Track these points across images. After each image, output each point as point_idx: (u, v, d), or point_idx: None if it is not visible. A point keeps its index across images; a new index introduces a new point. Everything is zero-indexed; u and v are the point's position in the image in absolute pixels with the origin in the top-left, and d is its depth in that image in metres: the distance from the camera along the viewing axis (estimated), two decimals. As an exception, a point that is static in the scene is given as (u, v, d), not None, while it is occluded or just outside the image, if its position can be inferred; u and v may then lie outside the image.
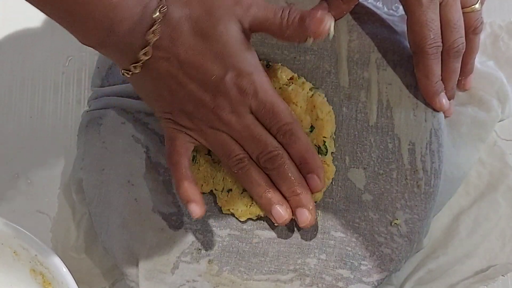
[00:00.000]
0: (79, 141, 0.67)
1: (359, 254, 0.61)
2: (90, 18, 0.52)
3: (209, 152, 0.64)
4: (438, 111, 0.64)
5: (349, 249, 0.61)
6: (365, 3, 0.67)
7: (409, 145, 0.63)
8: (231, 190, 0.63)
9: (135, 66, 0.56)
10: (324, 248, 0.62)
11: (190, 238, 0.63)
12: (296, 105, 0.64)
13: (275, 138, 0.59)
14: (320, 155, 0.63)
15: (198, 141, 0.60)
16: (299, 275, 0.61)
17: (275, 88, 0.64)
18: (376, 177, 0.63)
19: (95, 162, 0.65)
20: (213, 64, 0.56)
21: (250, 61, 0.57)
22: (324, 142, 0.63)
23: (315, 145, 0.63)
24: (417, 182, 0.62)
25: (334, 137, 0.64)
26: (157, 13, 0.54)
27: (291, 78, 0.65)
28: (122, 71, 0.58)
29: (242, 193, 0.62)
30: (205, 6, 0.56)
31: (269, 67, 0.64)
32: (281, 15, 0.57)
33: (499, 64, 0.70)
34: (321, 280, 0.61)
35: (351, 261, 0.61)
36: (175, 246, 0.62)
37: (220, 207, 0.63)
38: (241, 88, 0.57)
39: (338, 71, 0.66)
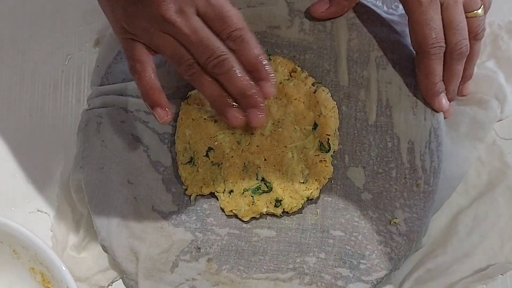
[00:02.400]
0: (79, 139, 0.67)
1: (358, 253, 0.61)
2: None
3: (207, 154, 0.64)
4: (437, 112, 0.64)
5: (348, 248, 0.61)
6: (365, 2, 0.67)
7: (408, 144, 0.63)
8: (232, 191, 0.63)
9: None
10: (323, 247, 0.62)
11: (189, 237, 0.63)
12: (299, 101, 0.63)
13: (225, 44, 0.57)
14: (321, 152, 0.63)
15: (152, 48, 0.58)
16: (298, 274, 0.61)
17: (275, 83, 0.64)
18: (375, 176, 0.63)
19: (95, 160, 0.65)
20: None
21: None
22: (328, 139, 0.63)
23: (319, 142, 0.63)
24: (416, 181, 0.62)
25: (338, 132, 0.64)
26: None
27: (293, 71, 0.65)
28: None
29: (243, 193, 0.63)
30: None
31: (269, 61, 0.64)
32: None
33: (498, 63, 0.70)
34: (320, 279, 0.61)
35: (350, 260, 0.61)
36: (175, 245, 0.62)
37: (223, 209, 0.63)
38: None
39: (338, 70, 0.66)
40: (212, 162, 0.64)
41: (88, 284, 0.65)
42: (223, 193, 0.63)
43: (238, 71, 0.57)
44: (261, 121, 0.59)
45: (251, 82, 0.58)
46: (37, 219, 0.67)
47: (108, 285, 0.66)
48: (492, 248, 0.64)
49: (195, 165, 0.64)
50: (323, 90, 0.64)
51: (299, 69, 0.65)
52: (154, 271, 0.62)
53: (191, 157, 0.64)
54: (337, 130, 0.64)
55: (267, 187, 0.62)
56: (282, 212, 0.63)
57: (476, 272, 0.63)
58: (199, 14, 0.56)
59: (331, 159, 0.63)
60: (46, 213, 0.68)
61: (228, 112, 0.59)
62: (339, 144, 0.64)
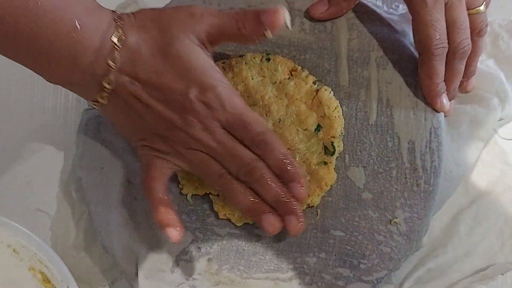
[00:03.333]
0: (79, 139, 0.67)
1: (358, 253, 0.61)
2: (56, 55, 0.53)
3: None
4: (438, 112, 0.64)
5: (349, 247, 0.61)
6: (365, 1, 0.67)
7: (409, 143, 0.63)
8: None
9: (102, 96, 0.56)
10: (324, 247, 0.62)
11: (189, 236, 0.63)
12: (300, 101, 0.63)
13: (250, 150, 0.58)
14: (326, 155, 0.62)
15: (176, 165, 0.59)
16: (299, 274, 0.61)
17: (275, 82, 0.64)
18: (375, 176, 0.63)
19: (95, 160, 0.65)
20: (174, 82, 0.56)
21: (212, 74, 0.57)
22: (332, 142, 0.62)
23: (322, 145, 0.63)
24: (416, 180, 0.62)
25: (343, 133, 0.63)
26: (115, 40, 0.54)
27: (294, 70, 0.65)
28: (91, 103, 0.58)
29: None
30: (159, 26, 0.56)
31: (268, 61, 0.64)
32: (235, 16, 0.57)
33: (498, 63, 0.70)
34: (320, 279, 0.61)
35: (350, 259, 0.61)
36: (175, 245, 0.62)
37: (217, 212, 0.63)
38: (207, 103, 0.56)
39: (338, 70, 0.66)
40: None
41: (88, 284, 0.65)
42: (218, 196, 0.63)
43: (269, 178, 0.58)
44: (301, 229, 0.58)
45: (283, 188, 0.58)
46: (37, 219, 0.67)
47: (108, 285, 0.65)
48: (492, 248, 0.64)
49: None
50: (326, 90, 0.64)
51: (299, 68, 0.65)
52: (154, 271, 0.62)
53: None
54: (342, 130, 0.63)
55: None
56: None
57: (477, 272, 0.63)
58: (223, 127, 0.57)
59: (335, 163, 0.63)
60: (46, 212, 0.68)
61: (264, 220, 0.58)
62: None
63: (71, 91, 0.58)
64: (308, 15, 0.67)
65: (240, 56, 0.65)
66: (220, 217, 0.63)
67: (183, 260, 0.62)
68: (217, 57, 0.66)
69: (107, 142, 0.66)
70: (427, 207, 0.62)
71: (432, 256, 0.64)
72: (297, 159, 0.62)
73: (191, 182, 0.63)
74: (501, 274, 0.63)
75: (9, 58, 0.55)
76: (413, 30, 0.63)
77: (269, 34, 0.56)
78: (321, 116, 0.63)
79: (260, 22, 0.56)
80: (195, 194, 0.64)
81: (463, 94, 0.68)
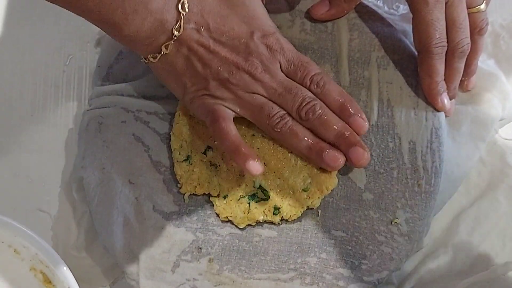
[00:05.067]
0: (80, 139, 0.67)
1: (359, 253, 0.61)
2: (128, 4, 0.55)
3: (205, 152, 0.63)
4: (439, 111, 0.64)
5: (350, 248, 0.61)
6: (366, 2, 0.67)
7: (410, 144, 0.63)
8: (227, 196, 0.63)
9: (166, 45, 0.59)
10: (325, 247, 0.62)
11: (190, 237, 0.63)
12: None
13: (309, 89, 0.60)
14: None
15: (236, 111, 0.61)
16: (300, 274, 0.61)
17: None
18: (376, 176, 0.63)
19: (96, 160, 0.65)
20: (240, 27, 0.59)
21: (270, 23, 0.61)
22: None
23: None
24: (417, 181, 0.62)
25: None
26: None
27: None
28: (149, 57, 0.60)
29: (239, 199, 0.62)
30: None
31: None
32: None
33: (499, 63, 0.70)
34: (321, 279, 0.61)
35: (351, 260, 0.61)
36: (176, 245, 0.62)
37: (218, 215, 0.63)
38: (269, 46, 0.59)
39: (339, 70, 0.66)
40: (210, 162, 0.63)
41: (89, 284, 0.65)
42: (218, 197, 0.63)
43: (330, 114, 0.60)
44: (366, 158, 0.59)
45: (344, 123, 0.60)
46: (38, 219, 0.68)
47: (109, 285, 0.66)
48: (493, 248, 0.64)
49: (191, 163, 0.64)
50: None
51: None
52: (155, 271, 0.62)
53: (188, 155, 0.64)
54: None
55: (265, 195, 0.62)
56: (281, 220, 0.62)
57: (478, 272, 0.63)
58: (282, 69, 0.60)
59: (337, 172, 0.62)
60: (47, 212, 0.68)
61: (327, 156, 0.60)
62: None
63: (133, 48, 0.60)
64: (309, 15, 0.67)
65: None
66: (222, 219, 0.63)
67: (184, 261, 0.62)
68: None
69: (108, 142, 0.66)
70: (428, 208, 0.62)
71: (433, 256, 0.64)
72: (298, 162, 0.62)
73: (189, 181, 0.63)
74: (502, 275, 0.63)
75: (85, 14, 0.57)
76: (413, 29, 0.63)
77: None
78: None
79: None
80: (193, 194, 0.64)
81: (463, 95, 0.68)
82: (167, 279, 0.62)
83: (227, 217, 0.62)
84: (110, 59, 0.69)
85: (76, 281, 0.59)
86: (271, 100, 0.60)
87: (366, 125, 0.60)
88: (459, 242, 0.64)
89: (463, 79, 0.66)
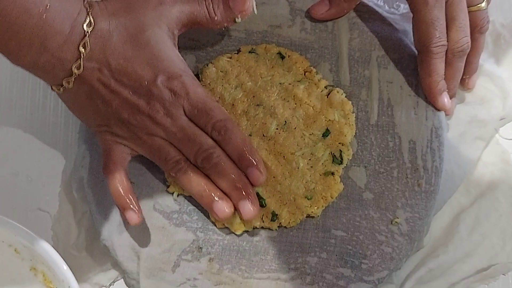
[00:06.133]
0: (80, 139, 0.67)
1: (359, 253, 0.61)
2: (23, 37, 0.53)
3: None
4: (439, 110, 0.64)
5: (350, 247, 0.61)
6: (366, 1, 0.67)
7: (410, 143, 0.63)
8: None
9: (68, 81, 0.57)
10: (325, 247, 0.62)
11: (191, 236, 0.63)
12: (309, 104, 0.63)
13: (211, 137, 0.60)
14: (333, 164, 0.62)
15: (135, 151, 0.61)
16: (300, 274, 0.61)
17: (284, 83, 0.63)
18: (377, 176, 0.63)
19: (96, 160, 0.65)
20: (143, 69, 0.58)
21: (178, 65, 0.59)
22: (341, 151, 0.62)
23: (330, 153, 0.62)
24: (417, 180, 0.62)
25: (353, 141, 0.63)
26: (86, 26, 0.56)
27: (308, 72, 0.64)
28: (53, 87, 0.59)
29: None
30: (131, 14, 0.58)
31: (283, 58, 0.64)
32: (205, 3, 0.59)
33: (500, 62, 0.70)
34: (321, 279, 0.61)
35: (351, 259, 0.61)
36: (176, 245, 0.62)
37: (214, 223, 0.63)
38: (173, 90, 0.58)
39: (339, 69, 0.65)
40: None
41: (89, 284, 0.65)
42: None
43: (226, 164, 0.59)
44: (254, 214, 0.60)
45: (240, 173, 0.60)
46: (38, 218, 0.67)
47: (110, 285, 0.65)
48: (493, 248, 0.64)
49: None
50: (337, 92, 0.63)
51: (314, 70, 0.64)
52: (155, 270, 0.62)
53: None
54: (353, 139, 0.63)
55: (261, 203, 0.62)
56: (278, 227, 0.62)
57: (478, 272, 0.63)
58: (186, 114, 0.59)
59: (341, 172, 0.62)
60: (47, 212, 0.68)
61: (215, 206, 0.60)
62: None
63: (35, 75, 0.58)
64: (309, 14, 0.67)
65: (250, 51, 0.65)
66: (218, 226, 0.62)
67: (184, 260, 0.62)
68: (224, 49, 0.66)
69: (108, 141, 0.66)
70: (428, 207, 0.62)
71: (433, 256, 0.64)
72: (301, 165, 0.62)
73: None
74: (503, 274, 0.64)
75: None
76: (413, 28, 0.63)
77: (238, 19, 0.60)
78: (330, 120, 0.63)
79: (230, 9, 0.60)
80: (182, 194, 0.64)
81: (464, 94, 0.68)
82: (168, 279, 0.62)
83: (223, 224, 0.62)
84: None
85: (77, 280, 0.59)
86: (171, 143, 0.60)
87: (263, 177, 0.60)
88: (459, 241, 0.64)
89: (464, 77, 0.66)
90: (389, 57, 0.66)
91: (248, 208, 0.59)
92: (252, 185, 0.60)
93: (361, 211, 0.62)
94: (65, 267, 0.59)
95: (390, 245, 0.61)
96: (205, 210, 0.63)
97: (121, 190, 0.60)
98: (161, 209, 0.64)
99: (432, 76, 0.63)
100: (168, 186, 0.64)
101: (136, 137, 0.60)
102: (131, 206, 0.60)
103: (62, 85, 0.58)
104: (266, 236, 0.62)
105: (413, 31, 0.63)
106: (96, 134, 0.61)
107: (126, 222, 0.61)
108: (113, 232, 0.63)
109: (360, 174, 0.63)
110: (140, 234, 0.63)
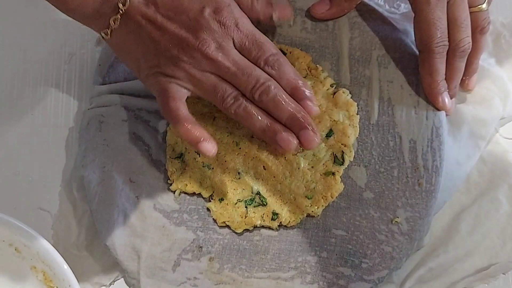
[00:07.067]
0: (81, 138, 0.67)
1: (360, 252, 0.61)
2: None
3: (198, 152, 0.63)
4: (440, 110, 0.64)
5: (350, 247, 0.61)
6: (367, 1, 0.67)
7: (410, 143, 0.63)
8: (223, 199, 0.62)
9: (114, 19, 0.57)
10: (325, 246, 0.62)
11: (191, 235, 0.63)
12: None
13: (263, 70, 0.59)
14: (334, 165, 0.62)
15: (189, 89, 0.59)
16: (300, 273, 0.61)
17: None
18: (377, 175, 0.63)
19: (97, 159, 0.65)
20: (190, 2, 0.57)
21: None
22: (343, 152, 0.62)
23: (331, 154, 0.62)
24: (418, 180, 0.62)
25: (355, 143, 0.63)
26: None
27: (313, 69, 0.64)
28: (102, 33, 0.58)
29: (236, 203, 0.62)
30: None
31: (285, 55, 0.64)
32: None
33: (500, 62, 0.70)
34: (322, 278, 0.61)
35: (352, 259, 0.61)
36: (176, 244, 0.62)
37: (215, 220, 0.63)
38: (221, 21, 0.57)
39: (339, 69, 0.65)
40: (203, 162, 0.63)
41: (89, 283, 0.65)
42: (214, 202, 0.62)
43: (284, 95, 0.59)
44: (315, 142, 0.59)
45: (298, 104, 0.59)
46: (39, 217, 0.67)
47: (110, 284, 0.65)
48: (494, 247, 0.64)
49: (184, 161, 0.64)
50: (343, 92, 0.63)
51: (320, 68, 0.64)
52: (156, 269, 0.62)
53: (181, 153, 0.64)
54: (356, 141, 0.63)
55: (262, 202, 0.62)
56: (279, 226, 0.62)
57: (478, 271, 0.63)
58: (235, 47, 0.58)
59: (342, 173, 0.62)
60: (47, 211, 0.68)
61: (280, 138, 0.59)
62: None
63: (82, 20, 0.59)
64: (309, 14, 0.67)
65: None
66: (219, 224, 0.63)
67: (184, 259, 0.62)
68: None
69: (109, 141, 0.66)
70: (428, 207, 0.62)
71: (433, 255, 0.64)
72: (302, 165, 0.62)
73: (181, 179, 0.63)
74: (503, 274, 0.63)
75: None
76: (414, 27, 0.63)
77: (276, 17, 0.60)
78: (334, 121, 0.63)
79: (271, 5, 0.60)
80: (183, 192, 0.64)
81: (464, 93, 0.68)
82: (168, 278, 0.62)
83: (224, 222, 0.62)
84: (111, 58, 0.69)
85: (77, 280, 0.59)
86: (224, 79, 0.59)
87: (316, 109, 0.59)
88: (460, 241, 0.64)
89: (464, 78, 0.66)
90: (389, 56, 0.65)
91: (311, 136, 0.58)
92: (309, 113, 0.59)
93: (361, 210, 0.62)
94: (65, 266, 0.59)
95: (391, 245, 0.61)
96: (206, 209, 0.63)
97: (189, 125, 0.58)
98: (162, 209, 0.64)
99: (433, 76, 0.63)
100: (170, 185, 0.64)
101: (189, 75, 0.58)
102: (204, 137, 0.58)
103: (109, 27, 0.58)
104: (266, 235, 0.62)
105: (414, 31, 0.63)
106: (148, 78, 0.60)
107: (202, 152, 0.58)
108: (113, 232, 0.63)
109: (361, 173, 0.63)
110: (141, 233, 0.63)
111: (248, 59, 0.59)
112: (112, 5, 0.57)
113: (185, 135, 0.58)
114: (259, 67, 0.59)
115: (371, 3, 0.68)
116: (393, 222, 0.62)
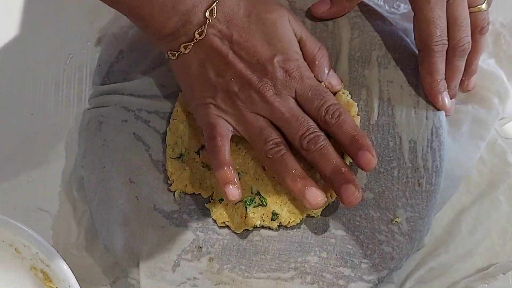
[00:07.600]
0: (80, 138, 0.67)
1: (360, 252, 0.61)
2: (156, 1, 0.56)
3: (198, 151, 0.63)
4: (439, 110, 0.64)
5: (350, 247, 0.61)
6: (366, 1, 0.67)
7: (410, 143, 0.63)
8: (222, 199, 0.62)
9: (186, 46, 0.59)
10: (325, 246, 0.62)
11: (191, 236, 0.63)
12: None
13: (322, 119, 0.59)
14: None
15: (236, 129, 0.60)
16: (300, 273, 0.61)
17: None
18: (377, 175, 0.63)
19: (96, 159, 0.65)
20: (263, 47, 0.59)
21: (297, 50, 0.61)
22: (343, 153, 0.61)
23: None
24: (418, 180, 0.62)
25: None
26: None
27: None
28: (169, 53, 0.60)
29: (236, 203, 0.62)
30: None
31: None
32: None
33: (500, 62, 0.70)
34: (321, 278, 0.61)
35: (352, 259, 0.61)
36: (176, 244, 0.62)
37: (215, 220, 0.63)
38: (288, 72, 0.59)
39: (339, 69, 0.65)
40: (202, 163, 0.63)
41: (89, 283, 0.65)
42: (213, 202, 0.62)
43: (331, 149, 0.59)
44: (357, 199, 0.58)
45: (343, 161, 0.59)
46: (38, 218, 0.68)
47: (110, 284, 0.66)
48: (494, 247, 0.64)
49: (184, 162, 0.64)
50: (344, 93, 0.63)
51: None
52: (155, 270, 0.62)
53: (181, 153, 0.64)
54: None
55: (262, 202, 0.62)
56: (278, 226, 0.62)
57: (478, 271, 0.63)
58: (296, 97, 0.60)
59: None
60: (47, 212, 0.68)
61: (309, 192, 0.59)
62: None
63: (155, 41, 0.61)
64: (309, 14, 0.67)
65: None
66: (219, 224, 0.62)
67: (184, 260, 0.62)
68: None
69: (109, 141, 0.66)
70: (428, 207, 0.62)
71: (433, 255, 0.64)
72: (302, 165, 0.62)
73: (180, 179, 0.63)
74: (503, 274, 0.63)
75: (115, 4, 0.58)
76: (414, 27, 0.63)
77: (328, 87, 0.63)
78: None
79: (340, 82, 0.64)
80: (183, 192, 0.64)
81: (464, 94, 0.68)
82: (168, 278, 0.62)
83: (224, 222, 0.62)
84: (111, 58, 0.69)
85: (77, 280, 0.59)
86: (273, 124, 0.60)
87: (374, 160, 0.59)
88: (460, 241, 0.64)
89: (463, 79, 0.66)
90: (389, 56, 0.65)
91: (353, 191, 0.58)
92: (363, 169, 0.59)
93: (361, 210, 0.62)
94: (65, 266, 0.59)
95: (391, 245, 0.61)
96: (205, 209, 0.63)
97: (228, 167, 0.59)
98: (161, 209, 0.64)
99: (433, 75, 0.63)
100: (170, 185, 0.64)
101: (240, 114, 0.60)
102: (233, 182, 0.58)
103: (178, 51, 0.59)
104: (266, 235, 0.62)
105: (414, 30, 0.63)
106: (199, 107, 0.61)
107: (225, 196, 0.59)
108: (113, 232, 0.63)
109: (360, 174, 0.63)
110: (140, 233, 0.63)
111: (308, 109, 0.60)
112: (188, 33, 0.58)
113: (220, 173, 0.59)
114: (320, 116, 0.59)
115: (371, 3, 0.68)
116: (393, 222, 0.62)
